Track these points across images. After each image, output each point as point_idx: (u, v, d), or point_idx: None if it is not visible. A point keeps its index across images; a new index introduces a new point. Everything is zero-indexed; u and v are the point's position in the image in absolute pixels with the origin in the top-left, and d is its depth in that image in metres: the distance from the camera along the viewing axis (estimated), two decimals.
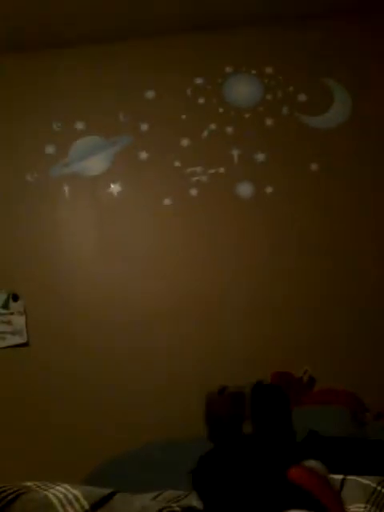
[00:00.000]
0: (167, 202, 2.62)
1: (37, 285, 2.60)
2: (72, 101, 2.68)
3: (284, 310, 2.54)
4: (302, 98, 2.66)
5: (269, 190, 2.60)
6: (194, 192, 2.62)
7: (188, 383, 2.48)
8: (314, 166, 2.60)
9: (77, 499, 0.71)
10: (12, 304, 2.59)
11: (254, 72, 2.70)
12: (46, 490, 0.77)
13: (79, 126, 2.68)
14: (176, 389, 2.49)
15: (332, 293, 2.54)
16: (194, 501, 0.74)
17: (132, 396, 2.51)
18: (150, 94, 2.69)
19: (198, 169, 2.63)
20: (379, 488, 0.78)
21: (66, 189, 2.65)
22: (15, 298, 2.59)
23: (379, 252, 2.55)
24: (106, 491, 0.76)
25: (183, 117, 2.66)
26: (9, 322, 2.58)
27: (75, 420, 2.49)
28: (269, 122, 2.64)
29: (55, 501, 0.71)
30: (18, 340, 2.57)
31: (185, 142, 2.65)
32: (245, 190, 2.61)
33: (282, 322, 2.52)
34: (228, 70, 2.70)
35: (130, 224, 2.64)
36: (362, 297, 2.52)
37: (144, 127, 2.67)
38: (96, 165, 2.66)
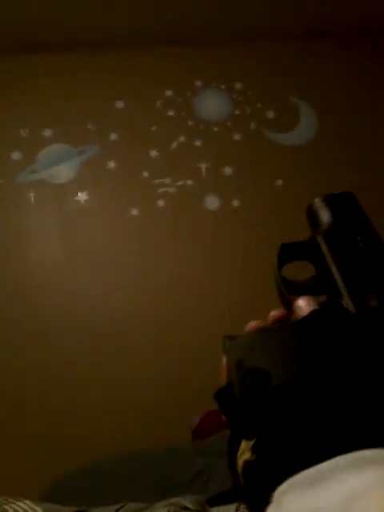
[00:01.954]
0: (134, 212, 2.62)
1: None
2: (41, 107, 2.66)
3: (248, 319, 2.56)
4: (270, 114, 2.72)
5: (235, 203, 2.64)
6: (161, 203, 2.63)
7: (149, 395, 2.47)
8: (279, 182, 2.65)
9: None
10: None
11: (223, 87, 2.74)
12: (6, 505, 0.76)
13: (47, 133, 2.66)
14: (136, 401, 2.48)
15: None
16: (185, 502, 0.74)
17: (92, 409, 2.48)
18: (120, 104, 2.70)
19: (166, 180, 2.64)
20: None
21: (32, 196, 2.62)
22: None
23: None
24: (69, 511, 0.75)
25: (153, 128, 2.68)
26: None
27: (33, 431, 2.45)
28: (237, 136, 2.69)
29: None
30: None
31: (153, 153, 2.66)
32: (212, 202, 2.64)
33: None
34: (198, 83, 2.74)
35: (97, 233, 2.63)
36: None
37: (113, 137, 2.67)
38: (63, 173, 2.65)
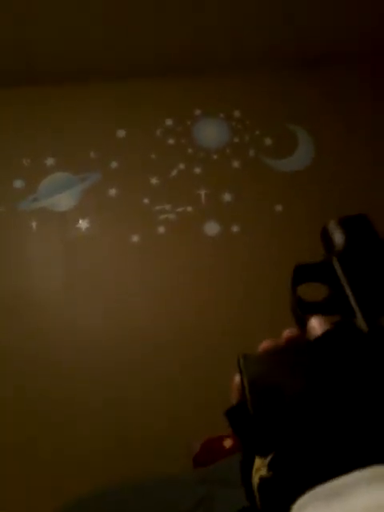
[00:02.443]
0: (135, 238, 2.64)
1: (0, 319, 2.55)
2: (43, 136, 2.71)
3: (247, 343, 2.56)
4: (268, 141, 2.76)
5: (235, 229, 2.66)
6: (161, 229, 2.65)
7: (149, 416, 2.45)
8: (278, 207, 2.68)
9: None
10: None
11: (222, 115, 2.80)
12: None
13: (49, 161, 2.70)
14: (136, 422, 2.46)
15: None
16: None
17: (92, 431, 2.46)
18: (121, 133, 2.74)
19: (167, 207, 2.67)
20: None
21: (34, 224, 2.64)
22: None
23: None
24: None
25: (153, 156, 2.72)
26: None
27: (34, 455, 2.42)
28: (235, 163, 2.73)
29: None
30: None
31: (154, 181, 2.70)
32: (212, 228, 2.66)
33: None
34: (197, 112, 2.79)
35: (98, 260, 2.64)
36: None
37: (114, 165, 2.71)
38: (65, 200, 2.68)
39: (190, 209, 2.67)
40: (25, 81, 2.68)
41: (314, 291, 0.53)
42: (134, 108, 2.77)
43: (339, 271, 0.49)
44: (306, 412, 0.37)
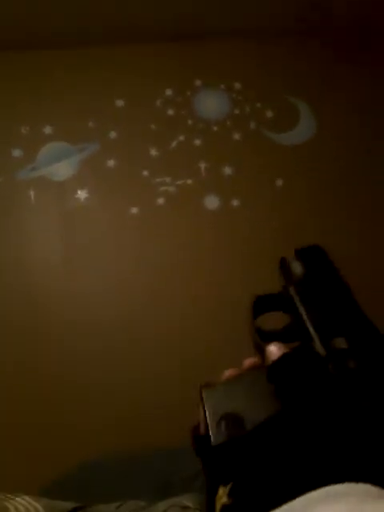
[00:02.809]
0: (134, 210, 2.63)
1: None
2: (41, 104, 2.66)
3: (248, 319, 2.57)
4: (269, 114, 2.72)
5: (235, 203, 2.64)
6: (161, 202, 2.63)
7: (149, 393, 2.48)
8: (279, 181, 2.66)
9: None
10: None
11: (222, 86, 2.75)
12: (5, 501, 0.76)
13: (47, 130, 2.66)
14: (135, 399, 2.49)
15: None
16: (186, 500, 0.75)
17: (91, 406, 2.49)
18: (120, 103, 2.70)
19: (166, 179, 2.65)
20: None
21: (32, 193, 2.62)
22: None
23: (341, 262, 2.62)
24: (69, 506, 0.76)
25: (152, 127, 2.68)
26: None
27: (31, 428, 2.45)
28: (236, 136, 2.69)
29: None
30: None
31: (153, 152, 2.66)
32: (211, 202, 2.65)
33: (248, 332, 2.55)
34: (198, 83, 2.74)
35: (96, 230, 2.63)
36: None
37: (113, 135, 2.67)
38: (63, 170, 2.65)
39: (189, 181, 2.65)
40: (22, 46, 2.62)
41: (276, 320, 0.54)
42: (133, 77, 2.72)
43: (296, 299, 0.51)
44: (263, 439, 0.39)
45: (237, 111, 2.73)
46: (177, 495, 0.86)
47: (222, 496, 0.39)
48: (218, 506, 0.40)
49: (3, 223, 2.60)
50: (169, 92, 2.72)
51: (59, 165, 2.64)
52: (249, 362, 0.53)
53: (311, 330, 0.46)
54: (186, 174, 2.65)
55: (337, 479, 0.32)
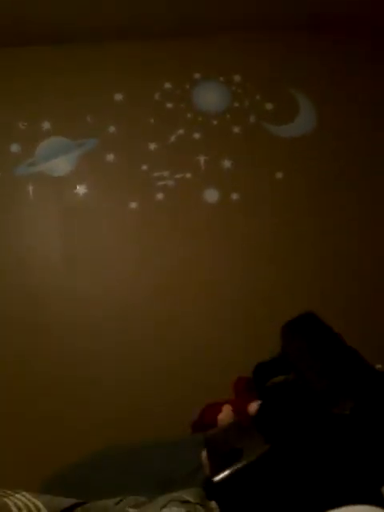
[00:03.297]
0: (133, 205, 2.62)
1: None
2: (39, 100, 2.65)
3: (247, 313, 2.57)
4: (269, 106, 2.71)
5: (234, 196, 2.63)
6: (160, 196, 2.62)
7: (148, 388, 2.48)
8: (278, 175, 2.65)
9: (38, 510, 0.71)
10: None
11: (222, 79, 2.73)
12: (5, 497, 0.76)
13: (46, 125, 2.64)
14: (135, 394, 2.49)
15: (294, 297, 2.59)
16: (186, 495, 0.75)
17: (92, 402, 2.49)
18: (119, 97, 2.68)
19: (165, 173, 2.64)
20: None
21: (31, 189, 2.61)
22: None
23: (340, 256, 2.62)
24: (67, 503, 0.76)
25: (151, 121, 2.67)
26: None
27: (33, 424, 2.46)
28: (236, 129, 2.68)
29: (15, 510, 0.70)
30: None
31: (152, 146, 2.65)
32: (211, 195, 2.64)
33: (248, 326, 2.55)
34: (197, 76, 2.72)
35: (95, 225, 2.63)
36: (330, 299, 2.56)
37: (111, 129, 2.66)
38: (62, 165, 2.64)
39: (189, 175, 2.64)
40: (21, 42, 2.61)
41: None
42: (132, 71, 2.70)
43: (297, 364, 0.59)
44: (259, 472, 0.45)
45: (236, 104, 2.71)
46: (177, 490, 0.86)
47: None
48: None
49: (2, 219, 2.60)
50: (167, 85, 2.70)
51: (58, 160, 2.63)
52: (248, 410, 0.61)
53: (315, 377, 0.51)
54: (185, 168, 2.64)
55: (329, 507, 0.35)
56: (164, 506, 0.79)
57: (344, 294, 2.59)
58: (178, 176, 2.64)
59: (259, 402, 0.49)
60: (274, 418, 0.46)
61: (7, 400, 2.47)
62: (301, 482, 0.38)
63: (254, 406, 0.49)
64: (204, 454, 0.58)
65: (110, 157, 2.64)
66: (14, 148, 2.62)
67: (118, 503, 0.84)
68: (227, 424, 0.60)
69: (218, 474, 0.50)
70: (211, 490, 0.50)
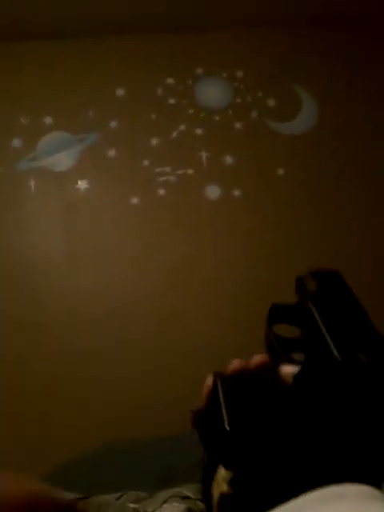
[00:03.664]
0: (135, 200, 2.62)
1: None
2: (41, 95, 2.65)
3: (249, 309, 2.57)
4: (271, 103, 2.70)
5: (236, 192, 2.63)
6: (161, 192, 2.62)
7: (149, 386, 2.48)
8: (280, 171, 2.64)
9: None
10: None
11: (224, 75, 2.72)
12: None
13: (48, 120, 2.64)
14: (136, 392, 2.49)
15: (296, 294, 2.59)
16: (186, 491, 0.75)
17: (92, 398, 2.50)
18: (121, 92, 2.68)
19: (167, 169, 2.63)
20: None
21: (32, 184, 2.61)
22: None
23: (341, 254, 2.62)
24: (70, 497, 0.76)
25: (153, 116, 2.66)
26: None
27: (33, 421, 2.46)
28: (238, 125, 2.67)
29: None
30: None
31: (154, 142, 2.65)
32: (213, 191, 2.63)
33: (249, 323, 2.55)
34: (199, 71, 2.71)
35: (97, 221, 2.63)
36: None
37: (113, 125, 2.65)
38: (63, 160, 2.64)
39: (190, 171, 2.63)
40: (22, 36, 2.60)
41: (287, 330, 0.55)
42: (134, 66, 2.69)
43: (315, 313, 0.52)
44: (273, 434, 0.39)
45: (238, 100, 2.70)
46: (178, 486, 0.87)
47: (221, 483, 0.39)
48: (217, 492, 0.39)
49: (3, 214, 2.60)
50: (170, 81, 2.69)
51: (59, 155, 2.63)
52: (259, 358, 0.54)
53: (331, 343, 0.46)
54: (186, 164, 2.63)
55: (337, 480, 0.32)
56: (165, 502, 0.79)
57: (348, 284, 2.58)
58: (179, 172, 2.63)
59: (297, 366, 0.45)
60: (312, 388, 0.41)
61: (7, 397, 2.47)
62: (314, 450, 0.36)
63: (291, 370, 0.45)
64: (209, 381, 0.52)
65: (112, 152, 2.63)
66: (16, 143, 2.62)
67: (118, 498, 0.84)
68: (239, 369, 0.54)
69: (230, 421, 0.44)
70: (218, 438, 0.45)
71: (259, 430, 0.40)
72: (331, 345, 0.46)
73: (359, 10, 2.62)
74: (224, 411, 0.45)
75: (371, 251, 2.63)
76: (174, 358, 2.51)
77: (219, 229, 2.62)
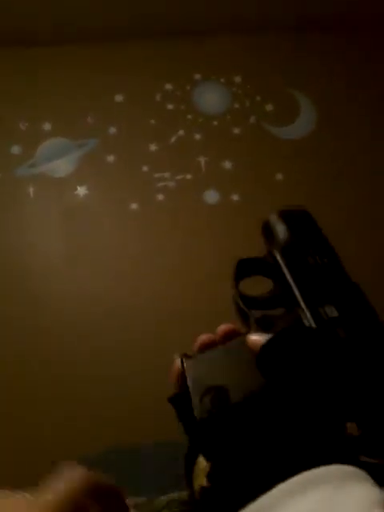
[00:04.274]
0: (134, 206, 2.62)
1: None
2: (40, 101, 2.66)
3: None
4: (269, 107, 2.71)
5: (235, 197, 2.64)
6: (160, 197, 2.63)
7: (148, 389, 2.48)
8: (279, 176, 2.65)
9: None
10: None
11: (222, 80, 2.73)
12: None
13: (46, 126, 2.65)
14: (135, 394, 2.49)
15: None
16: (185, 496, 0.75)
17: (92, 402, 2.49)
18: (119, 98, 2.69)
19: (166, 174, 2.64)
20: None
21: (32, 190, 2.62)
22: None
23: (341, 259, 2.62)
24: None
25: (152, 122, 2.67)
26: None
27: (31, 424, 2.46)
28: (236, 130, 2.68)
29: None
30: None
31: (153, 147, 2.66)
32: (211, 196, 2.64)
33: None
34: (197, 76, 2.73)
35: (96, 227, 2.63)
36: None
37: (112, 130, 2.66)
38: (62, 166, 2.64)
39: (189, 176, 2.64)
40: (21, 42, 2.61)
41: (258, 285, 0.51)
42: (133, 72, 2.71)
43: (282, 264, 0.49)
44: (247, 418, 0.37)
45: (237, 105, 2.72)
46: (176, 490, 0.87)
47: (200, 475, 0.38)
48: (197, 484, 0.39)
49: (3, 220, 2.60)
50: (168, 86, 2.70)
51: (58, 161, 2.64)
52: (224, 327, 0.51)
53: (298, 296, 0.44)
54: (185, 169, 2.64)
55: (316, 462, 0.32)
56: (164, 507, 0.79)
57: None
58: (178, 177, 2.64)
59: (267, 335, 0.41)
60: (280, 359, 0.38)
61: (6, 399, 2.47)
62: (290, 434, 0.34)
63: (259, 339, 0.41)
64: (177, 363, 0.49)
65: (111, 158, 2.64)
66: (15, 149, 2.63)
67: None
68: (207, 344, 0.50)
69: (200, 410, 0.41)
70: (191, 429, 0.43)
71: (230, 416, 0.38)
72: (300, 299, 0.43)
73: (357, 14, 2.63)
74: (193, 399, 0.43)
75: (370, 255, 2.63)
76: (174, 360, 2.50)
77: (218, 233, 2.62)
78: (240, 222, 2.63)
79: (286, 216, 0.55)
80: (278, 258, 0.50)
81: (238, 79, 2.73)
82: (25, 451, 2.40)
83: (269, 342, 0.41)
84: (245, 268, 0.54)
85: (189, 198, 2.63)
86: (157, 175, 2.64)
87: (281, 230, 0.54)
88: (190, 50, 2.71)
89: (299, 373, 0.38)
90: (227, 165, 2.66)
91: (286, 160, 2.66)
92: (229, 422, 0.38)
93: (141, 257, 2.61)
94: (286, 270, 0.48)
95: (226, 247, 2.61)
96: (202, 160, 2.66)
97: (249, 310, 0.47)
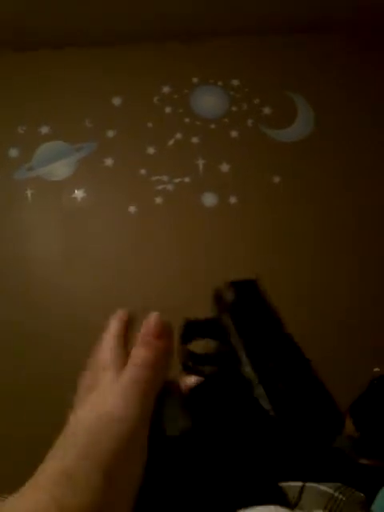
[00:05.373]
0: (132, 209, 2.62)
1: None
2: (38, 104, 2.66)
3: None
4: (267, 110, 2.71)
5: (233, 200, 2.64)
6: (158, 200, 2.63)
7: None
8: (276, 179, 2.65)
9: None
10: None
11: (220, 83, 2.74)
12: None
13: (44, 129, 2.65)
14: None
15: (293, 301, 2.59)
16: None
17: None
18: (117, 101, 2.69)
19: (164, 177, 2.64)
20: (337, 494, 0.81)
21: (29, 193, 2.62)
22: None
23: (338, 261, 2.62)
24: None
25: (150, 125, 2.68)
26: None
27: (30, 429, 2.45)
28: (234, 133, 2.69)
29: None
30: None
31: (151, 150, 2.66)
32: (209, 199, 2.64)
33: None
34: (195, 80, 2.73)
35: (94, 230, 2.63)
36: (328, 307, 2.56)
37: (110, 134, 2.66)
38: (60, 170, 2.65)
39: (187, 179, 2.64)
40: (20, 46, 2.62)
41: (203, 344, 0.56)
42: (131, 75, 2.71)
43: (230, 327, 0.53)
44: (173, 457, 0.40)
45: (234, 108, 2.72)
46: None
47: None
48: None
49: (1, 223, 2.60)
50: (166, 90, 2.71)
51: (56, 164, 2.64)
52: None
53: (243, 356, 0.48)
54: (183, 172, 2.64)
55: (245, 503, 0.33)
56: None
57: (344, 296, 2.59)
58: (176, 180, 2.64)
59: (200, 378, 0.47)
60: (208, 401, 0.43)
61: (5, 399, 2.46)
62: (216, 471, 0.36)
63: (191, 380, 0.46)
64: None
65: (109, 161, 2.64)
66: (13, 152, 2.63)
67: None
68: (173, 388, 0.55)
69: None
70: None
71: (161, 448, 0.41)
72: (243, 358, 0.47)
73: (355, 17, 2.64)
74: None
75: (369, 257, 2.63)
76: (173, 360, 2.50)
77: (215, 236, 2.63)
78: (238, 224, 2.63)
79: (235, 284, 0.61)
80: (226, 320, 0.55)
81: (235, 82, 2.74)
82: (25, 452, 2.39)
83: (196, 386, 0.45)
84: (192, 329, 0.59)
85: (187, 200, 2.64)
86: (155, 178, 2.64)
87: (229, 295, 0.60)
88: (188, 54, 2.72)
89: (221, 417, 0.41)
90: (225, 168, 2.66)
91: (284, 163, 2.67)
92: (158, 454, 0.41)
93: (139, 259, 2.61)
94: (233, 333, 0.52)
95: (224, 249, 2.62)
96: (200, 163, 2.66)
97: (198, 367, 0.51)
